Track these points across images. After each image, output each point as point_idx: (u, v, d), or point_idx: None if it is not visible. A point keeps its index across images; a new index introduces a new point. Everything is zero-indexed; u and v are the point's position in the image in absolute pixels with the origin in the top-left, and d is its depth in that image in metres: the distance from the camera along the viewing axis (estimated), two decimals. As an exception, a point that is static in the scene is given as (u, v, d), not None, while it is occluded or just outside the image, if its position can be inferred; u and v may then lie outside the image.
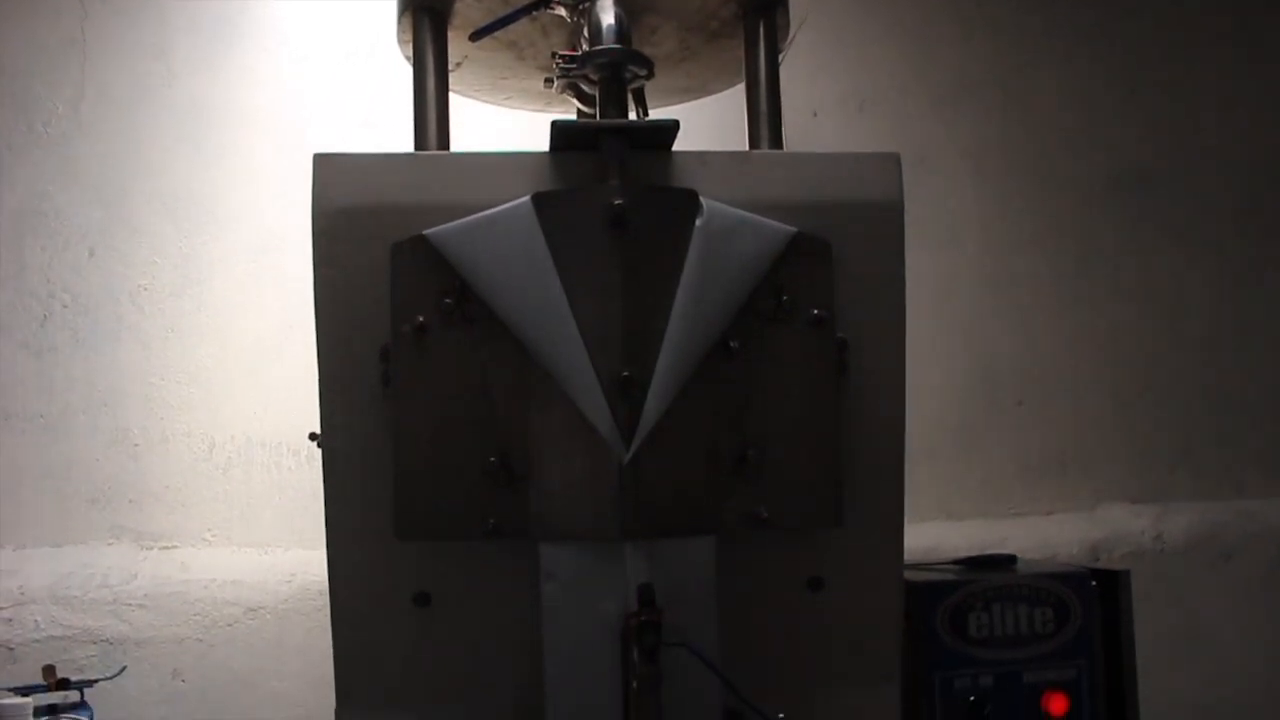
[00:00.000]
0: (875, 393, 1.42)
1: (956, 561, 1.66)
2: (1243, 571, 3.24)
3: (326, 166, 1.38)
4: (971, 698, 1.51)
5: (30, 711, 2.03)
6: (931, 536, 2.66)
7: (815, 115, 2.83)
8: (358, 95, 2.67)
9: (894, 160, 1.45)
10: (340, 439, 1.36)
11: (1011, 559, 1.63)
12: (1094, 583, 1.60)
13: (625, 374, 1.25)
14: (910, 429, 1.47)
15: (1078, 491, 3.17)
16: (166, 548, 2.72)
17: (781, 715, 1.14)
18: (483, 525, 1.27)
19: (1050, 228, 3.16)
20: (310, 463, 2.71)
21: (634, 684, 1.17)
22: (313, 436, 1.48)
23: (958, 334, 3.03)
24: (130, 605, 2.64)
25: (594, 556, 1.26)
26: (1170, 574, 3.12)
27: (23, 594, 2.64)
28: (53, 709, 2.31)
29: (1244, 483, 3.34)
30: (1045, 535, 2.80)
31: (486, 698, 1.36)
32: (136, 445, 2.75)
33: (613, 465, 1.26)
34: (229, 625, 2.64)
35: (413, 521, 1.28)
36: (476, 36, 1.59)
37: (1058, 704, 1.54)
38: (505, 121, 2.23)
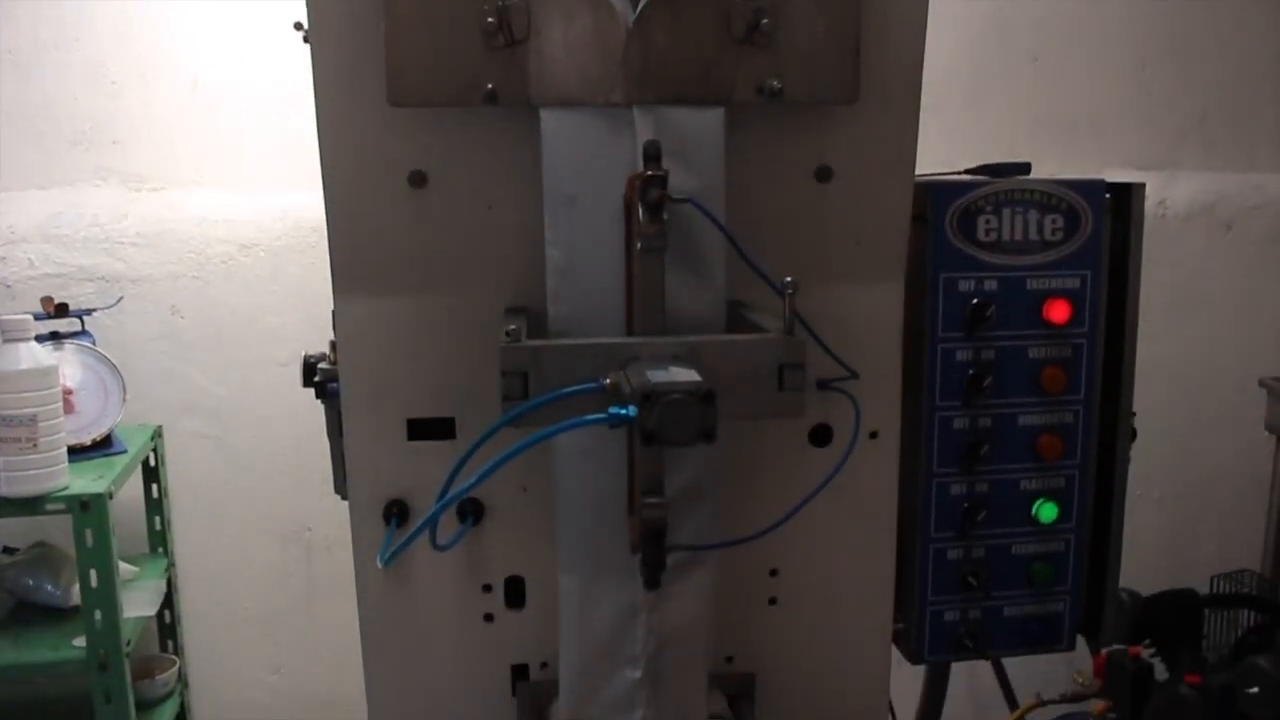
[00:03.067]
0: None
1: (968, 170, 1.61)
2: (1241, 242, 3.24)
3: None
4: (974, 300, 1.49)
5: (30, 325, 2.04)
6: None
7: None
8: None
9: None
10: (329, 5, 1.27)
11: (1025, 167, 1.58)
12: (1107, 194, 1.56)
13: (633, -79, 1.15)
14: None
15: (1085, 153, 3.11)
16: (156, 189, 2.68)
17: (789, 279, 1.12)
18: (480, 91, 1.20)
19: None
20: (302, 103, 2.61)
21: (638, 245, 1.14)
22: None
23: (975, -22, 2.88)
24: (123, 244, 2.63)
25: (598, 122, 1.20)
26: (1170, 240, 3.12)
27: (13, 233, 2.62)
28: (55, 335, 2.34)
29: (1254, 155, 3.29)
30: (1049, 195, 2.75)
31: (485, 281, 1.34)
32: (114, 83, 2.65)
33: (618, 24, 1.18)
34: (223, 262, 2.64)
35: (406, 87, 1.21)
36: None
37: (1059, 311, 1.53)
38: None
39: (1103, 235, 1.55)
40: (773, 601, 1.48)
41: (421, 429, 1.38)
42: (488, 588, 1.43)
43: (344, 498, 1.47)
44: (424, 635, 1.44)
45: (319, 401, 1.59)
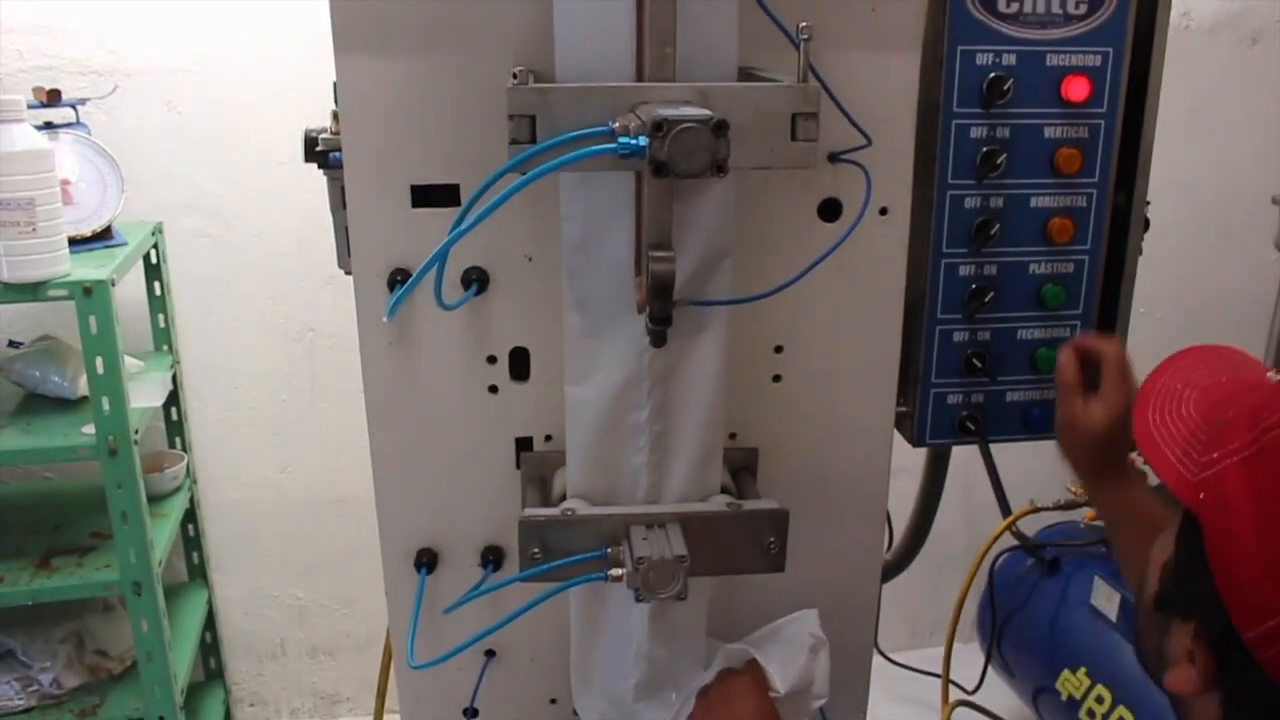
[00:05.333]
0: None
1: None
2: (1266, 57, 3.15)
3: None
4: (992, 75, 1.45)
5: (22, 106, 2.00)
6: None
7: None
8: None
9: None
10: None
11: (1053, -63, 1.51)
12: (1135, -29, 1.50)
13: None
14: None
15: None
16: (147, -22, 2.58)
17: (804, 24, 1.08)
18: None
19: None
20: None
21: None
22: None
23: None
24: (115, 35, 2.55)
25: None
26: (1193, 54, 3.03)
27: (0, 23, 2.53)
28: (50, 125, 2.29)
29: (1286, -35, 3.16)
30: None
31: (492, 41, 1.29)
32: None
33: None
34: (220, 57, 2.57)
35: None
36: None
37: (1078, 90, 1.49)
38: None
39: (1128, 11, 1.49)
40: (777, 379, 1.48)
41: (426, 196, 1.36)
42: (492, 359, 1.43)
43: (347, 272, 1.45)
44: (428, 407, 1.45)
45: (323, 182, 1.56)
